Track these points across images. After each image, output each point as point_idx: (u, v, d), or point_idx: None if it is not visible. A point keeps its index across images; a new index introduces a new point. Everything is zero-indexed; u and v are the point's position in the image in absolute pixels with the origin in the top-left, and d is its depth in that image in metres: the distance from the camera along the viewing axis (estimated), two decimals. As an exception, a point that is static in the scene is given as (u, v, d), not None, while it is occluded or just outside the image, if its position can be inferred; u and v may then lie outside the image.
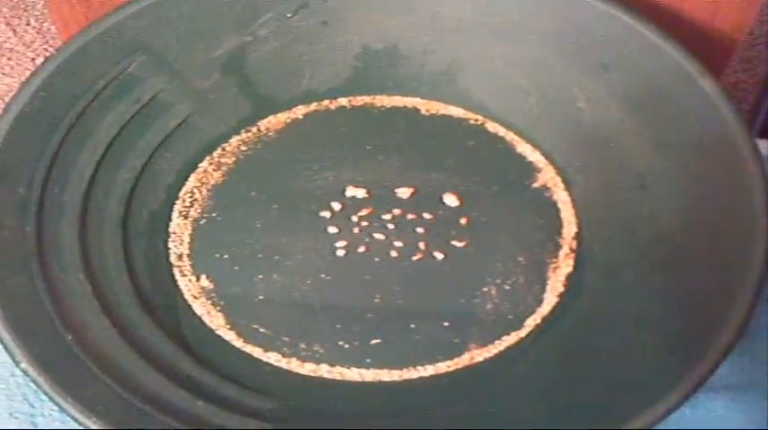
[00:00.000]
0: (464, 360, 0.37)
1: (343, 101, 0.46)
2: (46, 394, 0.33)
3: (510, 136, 0.44)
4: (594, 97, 0.42)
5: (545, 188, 0.42)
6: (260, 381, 0.37)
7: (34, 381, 0.33)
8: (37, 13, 0.91)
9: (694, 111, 0.39)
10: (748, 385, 0.37)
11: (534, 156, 0.44)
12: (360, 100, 0.46)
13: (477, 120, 0.45)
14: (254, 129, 0.45)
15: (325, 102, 0.46)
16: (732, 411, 0.37)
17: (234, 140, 0.44)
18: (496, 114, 0.45)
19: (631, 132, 0.41)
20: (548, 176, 0.43)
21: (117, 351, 0.36)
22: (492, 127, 0.45)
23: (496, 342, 0.38)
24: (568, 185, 0.42)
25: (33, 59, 0.88)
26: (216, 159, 0.44)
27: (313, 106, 0.46)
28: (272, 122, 0.45)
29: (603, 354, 0.36)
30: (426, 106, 0.46)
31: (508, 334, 0.38)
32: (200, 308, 0.39)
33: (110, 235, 0.40)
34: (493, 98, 0.45)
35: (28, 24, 0.90)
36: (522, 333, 0.38)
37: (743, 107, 0.74)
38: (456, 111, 0.45)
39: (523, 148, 0.44)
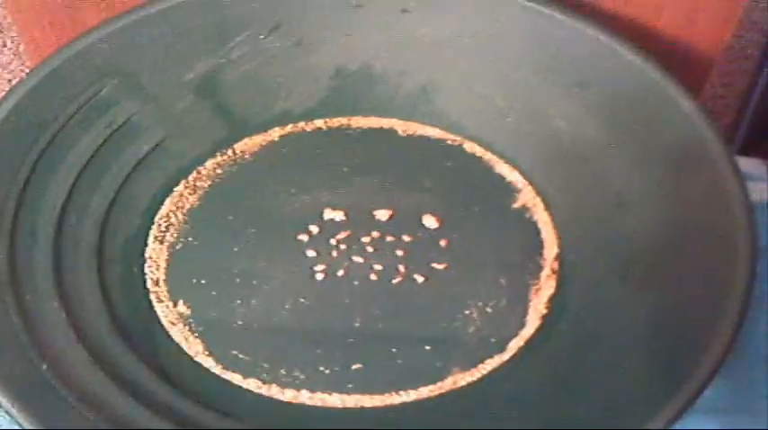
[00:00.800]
0: (447, 384, 0.37)
1: (318, 122, 0.46)
2: (19, 425, 0.33)
3: (488, 156, 0.45)
4: (572, 116, 0.43)
5: (525, 208, 0.43)
6: (240, 409, 0.37)
7: (7, 412, 0.33)
8: (13, 35, 0.92)
9: (672, 129, 0.40)
10: (738, 408, 0.38)
11: (513, 176, 0.44)
12: (336, 121, 0.46)
13: (454, 140, 0.46)
14: (230, 152, 0.45)
15: (301, 123, 0.46)
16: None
17: (209, 163, 0.45)
18: (474, 134, 0.46)
19: (609, 151, 0.42)
20: (527, 196, 0.43)
21: (93, 379, 0.36)
22: (470, 147, 0.45)
23: (480, 365, 0.38)
24: (548, 205, 0.43)
25: (10, 81, 0.88)
26: (191, 183, 0.44)
27: (288, 128, 0.46)
28: (248, 145, 0.45)
29: (589, 377, 0.36)
30: (403, 127, 0.46)
31: (491, 357, 0.38)
32: (178, 334, 0.39)
33: (84, 261, 0.40)
34: (470, 118, 0.46)
35: (4, 46, 0.91)
36: (506, 356, 0.38)
37: (723, 121, 0.75)
38: (433, 132, 0.46)
39: (502, 169, 0.44)
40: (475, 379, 0.38)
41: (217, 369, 0.38)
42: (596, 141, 0.42)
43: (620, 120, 0.42)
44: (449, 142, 0.46)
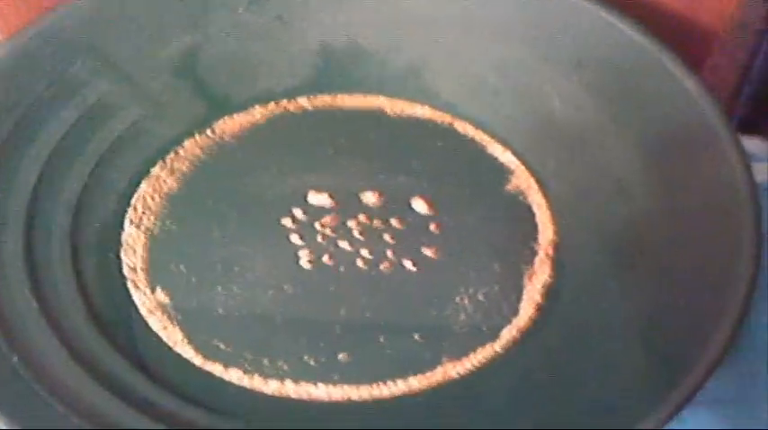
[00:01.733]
0: (437, 375, 0.37)
1: (302, 101, 0.46)
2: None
3: (480, 136, 0.45)
4: (569, 95, 0.43)
5: (519, 191, 0.43)
6: (221, 401, 0.36)
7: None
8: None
9: (675, 109, 0.40)
10: (737, 399, 0.38)
11: (506, 157, 0.44)
12: (320, 100, 0.46)
13: (445, 120, 0.45)
14: (210, 132, 0.45)
15: (284, 102, 0.46)
16: (720, 425, 0.38)
17: (188, 144, 0.44)
18: (466, 114, 0.45)
19: (608, 132, 0.42)
20: (521, 179, 0.43)
21: (67, 372, 0.35)
22: (461, 127, 0.45)
23: (471, 355, 0.38)
24: (543, 188, 0.43)
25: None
26: (169, 165, 0.44)
27: (271, 107, 0.46)
28: (229, 124, 0.45)
29: (584, 368, 0.36)
30: (391, 106, 0.46)
31: (483, 346, 0.38)
32: (157, 323, 0.39)
33: (57, 248, 0.39)
34: (461, 97, 0.45)
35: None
36: (498, 345, 0.38)
37: (722, 94, 0.75)
38: (423, 111, 0.46)
39: (495, 149, 0.44)
40: (466, 369, 0.37)
41: (197, 359, 0.38)
42: (594, 122, 0.42)
43: (619, 99, 0.42)
44: (439, 122, 0.45)
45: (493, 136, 0.44)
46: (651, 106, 0.41)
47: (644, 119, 0.41)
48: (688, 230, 0.38)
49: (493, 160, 0.44)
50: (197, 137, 0.45)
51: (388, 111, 0.46)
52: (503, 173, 0.43)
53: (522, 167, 0.43)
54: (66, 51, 0.42)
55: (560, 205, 0.42)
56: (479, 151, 0.44)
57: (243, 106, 0.45)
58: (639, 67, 0.41)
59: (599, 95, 0.42)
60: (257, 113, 0.46)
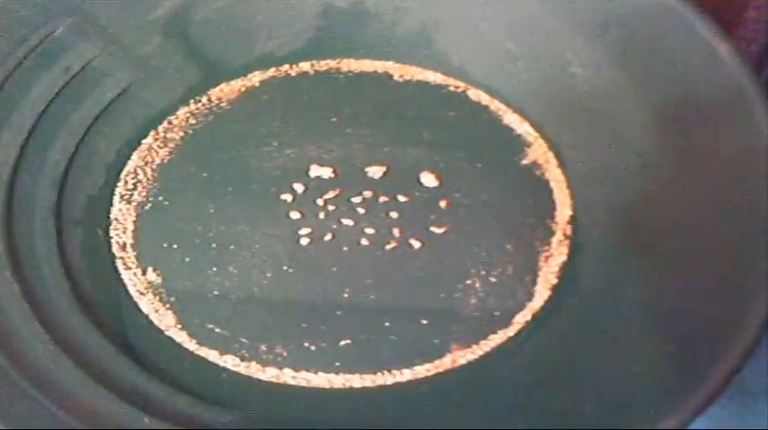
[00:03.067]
0: (445, 362, 0.37)
1: (304, 66, 0.46)
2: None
3: (495, 105, 0.44)
4: (591, 62, 0.42)
5: (535, 165, 0.42)
6: (216, 390, 0.36)
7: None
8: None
9: (705, 77, 0.39)
10: (745, 391, 0.38)
11: (523, 128, 0.43)
12: (324, 64, 0.46)
13: (457, 87, 0.45)
14: (204, 100, 0.44)
15: (285, 67, 0.46)
16: (730, 415, 0.38)
17: (181, 113, 0.44)
18: (480, 80, 0.45)
19: (632, 102, 0.40)
20: (539, 152, 0.42)
21: (50, 360, 0.35)
22: (474, 95, 0.44)
23: (482, 342, 0.37)
24: (562, 162, 0.42)
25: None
26: (161, 135, 0.43)
27: (270, 72, 0.45)
28: (225, 91, 0.45)
29: (602, 357, 0.35)
30: (400, 71, 0.45)
31: (495, 332, 0.38)
32: (147, 305, 0.39)
33: (41, 225, 0.39)
34: (475, 62, 0.45)
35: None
36: (511, 331, 0.38)
37: (752, 49, 0.74)
38: (434, 77, 0.45)
39: (511, 119, 0.44)
40: (476, 357, 0.37)
41: (190, 344, 0.38)
42: (618, 91, 0.41)
43: (645, 67, 0.40)
44: (451, 89, 0.45)
45: (509, 105, 0.44)
46: (680, 74, 0.39)
47: (671, 88, 0.40)
48: (715, 209, 0.37)
49: (508, 131, 0.43)
50: (191, 104, 0.44)
51: (396, 77, 0.45)
52: (519, 145, 0.43)
53: (540, 139, 0.43)
54: (47, 13, 0.41)
55: (580, 181, 0.41)
56: (494, 121, 0.44)
57: (240, 71, 0.45)
58: (668, 31, 0.39)
59: (623, 62, 0.41)
60: (256, 79, 0.45)
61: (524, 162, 0.42)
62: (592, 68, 0.42)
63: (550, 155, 0.42)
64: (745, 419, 0.40)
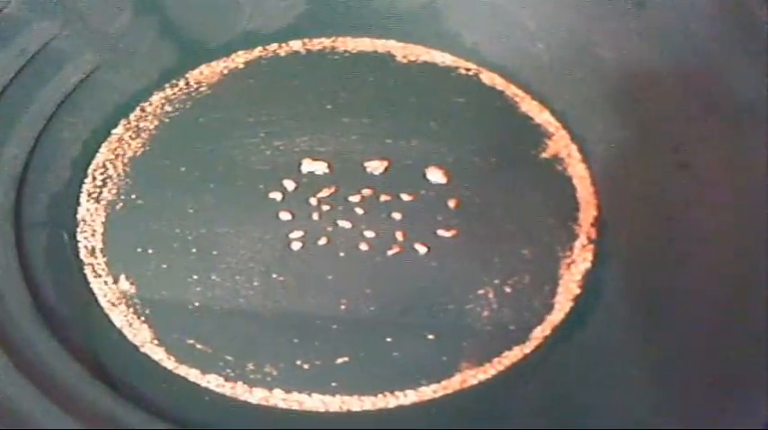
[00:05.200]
0: (454, 383, 0.37)
1: (295, 45, 0.46)
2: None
3: (512, 91, 0.44)
4: (622, 44, 0.43)
5: (557, 159, 0.43)
6: (197, 414, 0.36)
7: None
8: None
9: (750, 63, 0.40)
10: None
11: (543, 117, 0.44)
12: (317, 43, 0.46)
13: (469, 69, 0.45)
14: (182, 84, 0.45)
15: (273, 46, 0.46)
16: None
17: (155, 99, 0.44)
18: (494, 63, 0.45)
19: (667, 90, 0.41)
20: (560, 144, 0.43)
21: (9, 385, 0.35)
22: (488, 78, 0.45)
23: (495, 359, 0.38)
24: (586, 156, 0.42)
25: None
26: (133, 124, 0.44)
27: (256, 52, 0.46)
28: (205, 74, 0.45)
29: (629, 378, 0.36)
30: (403, 51, 0.46)
31: (510, 349, 0.38)
32: (120, 318, 0.39)
33: (-3, 228, 0.41)
34: (489, 42, 0.45)
35: None
36: (528, 348, 0.38)
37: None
38: (442, 58, 0.46)
39: (529, 107, 0.44)
40: (489, 376, 0.37)
41: (169, 362, 0.38)
42: (651, 77, 0.42)
43: (683, 50, 0.41)
44: (461, 72, 0.45)
45: (527, 90, 0.44)
46: (722, 59, 0.40)
47: (712, 74, 0.41)
48: (759, 214, 0.37)
49: (526, 120, 0.44)
50: (167, 89, 0.45)
51: (400, 57, 0.46)
52: (538, 136, 0.43)
53: (562, 130, 0.43)
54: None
55: (606, 178, 0.42)
56: (510, 109, 0.44)
57: (222, 51, 0.46)
58: (710, 8, 0.40)
59: (658, 45, 0.42)
60: (240, 60, 0.46)
61: (544, 156, 0.43)
62: (623, 51, 0.43)
63: (573, 148, 0.43)
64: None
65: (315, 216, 0.41)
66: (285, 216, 0.41)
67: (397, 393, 0.37)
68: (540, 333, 0.38)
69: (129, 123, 0.43)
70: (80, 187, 0.42)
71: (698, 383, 0.35)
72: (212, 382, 0.37)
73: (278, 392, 0.37)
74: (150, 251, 0.40)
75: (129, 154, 0.43)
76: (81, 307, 0.39)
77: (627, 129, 0.42)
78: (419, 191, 0.42)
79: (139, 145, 0.43)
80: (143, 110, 0.44)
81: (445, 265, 0.40)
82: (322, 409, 0.37)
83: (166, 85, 0.44)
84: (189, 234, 0.41)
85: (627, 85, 0.42)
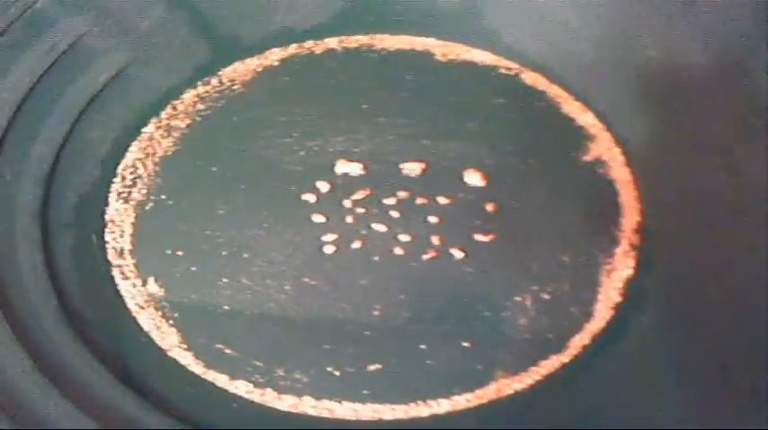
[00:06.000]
0: (489, 392, 0.37)
1: (331, 42, 0.46)
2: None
3: (554, 91, 0.45)
4: (672, 44, 0.43)
5: (599, 162, 0.43)
6: (225, 421, 0.37)
7: None
8: None
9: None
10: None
11: (586, 118, 0.44)
12: (354, 41, 0.46)
13: (509, 69, 0.45)
14: (215, 82, 0.45)
15: (309, 43, 0.46)
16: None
17: (187, 97, 0.45)
18: (536, 62, 0.45)
19: (715, 91, 0.42)
20: (603, 147, 0.43)
21: (33, 387, 0.36)
22: (530, 78, 0.45)
23: (532, 369, 0.38)
24: (630, 159, 0.43)
25: None
26: (164, 122, 0.44)
27: (291, 50, 0.46)
28: (238, 72, 0.46)
29: (671, 390, 0.36)
30: (442, 50, 0.46)
31: (547, 358, 0.38)
32: (148, 321, 0.40)
33: (23, 229, 0.40)
34: (531, 40, 0.45)
35: None
36: (565, 357, 0.38)
37: None
38: (482, 57, 0.46)
39: (571, 108, 0.44)
40: (525, 386, 0.38)
41: (197, 367, 0.38)
42: (698, 78, 0.42)
43: (732, 51, 0.41)
44: (502, 71, 0.45)
45: (569, 91, 0.44)
46: None
47: (763, 76, 0.40)
48: None
49: (568, 122, 0.44)
50: (199, 87, 0.45)
51: (438, 56, 0.46)
52: (580, 138, 0.43)
53: (605, 132, 0.43)
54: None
55: (650, 182, 0.42)
56: (551, 110, 0.44)
57: (256, 48, 0.46)
58: (763, 9, 0.40)
59: (713, 46, 0.42)
60: (274, 58, 0.46)
61: (586, 158, 0.43)
62: (672, 52, 0.43)
63: (617, 151, 0.43)
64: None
65: (349, 219, 0.41)
66: (318, 218, 0.41)
67: (429, 402, 0.37)
68: (578, 342, 0.38)
69: (159, 122, 0.44)
70: (109, 187, 0.42)
71: (743, 401, 0.35)
72: (241, 388, 0.38)
73: (308, 399, 0.37)
74: (180, 253, 0.41)
75: (160, 153, 0.43)
76: (108, 309, 0.40)
77: (672, 131, 0.42)
78: (456, 194, 0.42)
79: (170, 144, 0.44)
80: (174, 108, 0.44)
81: (482, 271, 0.40)
82: (353, 417, 0.37)
83: (198, 83, 0.45)
84: (219, 236, 0.41)
85: (673, 85, 0.42)
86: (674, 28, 0.42)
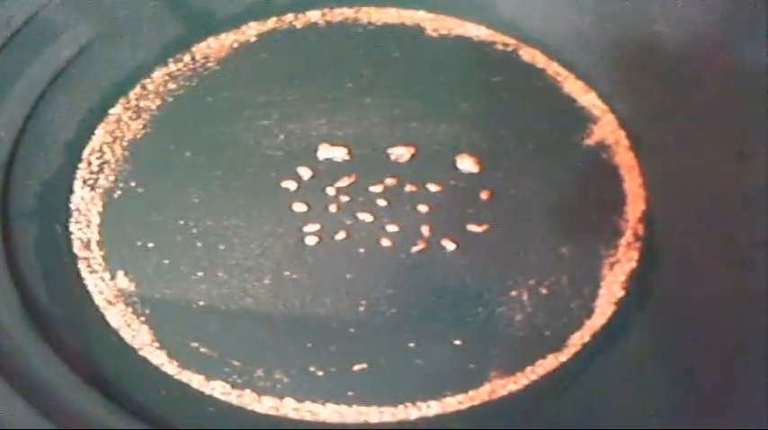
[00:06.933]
0: (482, 394, 0.38)
1: (313, 15, 0.46)
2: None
3: (554, 69, 0.45)
4: (681, 18, 0.43)
5: (602, 147, 0.43)
6: (201, 424, 0.37)
7: None
8: None
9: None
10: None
11: (588, 99, 0.44)
12: (338, 14, 0.46)
13: (506, 44, 0.45)
14: (187, 59, 0.45)
15: (289, 17, 0.46)
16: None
17: (158, 75, 0.45)
18: (535, 37, 0.45)
19: (734, 74, 0.42)
20: (607, 130, 0.43)
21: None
22: (528, 55, 0.45)
23: (527, 369, 0.38)
24: (636, 144, 0.43)
25: None
26: (133, 103, 0.44)
27: (270, 24, 0.46)
28: (213, 48, 0.46)
29: (675, 390, 0.36)
30: (434, 24, 0.46)
31: (544, 357, 0.38)
32: (117, 318, 0.39)
33: (-18, 220, 0.42)
34: (530, 14, 0.45)
35: None
36: (564, 356, 0.38)
37: None
38: (476, 32, 0.46)
39: (573, 88, 0.44)
40: (520, 387, 0.38)
41: (170, 367, 0.38)
42: (713, 56, 0.42)
43: (751, 27, 0.42)
44: (498, 47, 0.45)
45: (571, 69, 0.44)
46: None
47: None
48: None
49: (570, 102, 0.44)
50: (170, 65, 0.45)
51: (429, 31, 0.46)
52: (582, 121, 0.43)
53: (609, 114, 0.43)
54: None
55: (657, 169, 0.42)
56: (552, 90, 0.44)
57: (231, 23, 0.46)
58: None
59: (724, 20, 0.42)
60: (251, 33, 0.46)
61: (588, 142, 0.43)
62: (682, 26, 0.43)
63: (621, 134, 0.43)
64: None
65: (332, 208, 0.41)
66: (300, 207, 0.41)
67: (419, 404, 0.37)
68: (578, 339, 0.38)
69: (128, 102, 0.44)
70: (74, 173, 0.42)
71: (751, 405, 0.35)
72: (217, 389, 0.38)
73: (289, 401, 0.37)
74: (151, 245, 0.41)
75: (129, 136, 0.43)
76: (74, 305, 0.40)
77: (682, 114, 0.42)
78: (448, 181, 0.42)
79: (140, 126, 0.43)
80: (144, 87, 0.44)
81: (475, 264, 0.40)
82: (337, 421, 0.37)
83: (170, 60, 0.45)
84: (194, 226, 0.41)
85: (685, 63, 0.42)
86: (688, 1, 0.43)
